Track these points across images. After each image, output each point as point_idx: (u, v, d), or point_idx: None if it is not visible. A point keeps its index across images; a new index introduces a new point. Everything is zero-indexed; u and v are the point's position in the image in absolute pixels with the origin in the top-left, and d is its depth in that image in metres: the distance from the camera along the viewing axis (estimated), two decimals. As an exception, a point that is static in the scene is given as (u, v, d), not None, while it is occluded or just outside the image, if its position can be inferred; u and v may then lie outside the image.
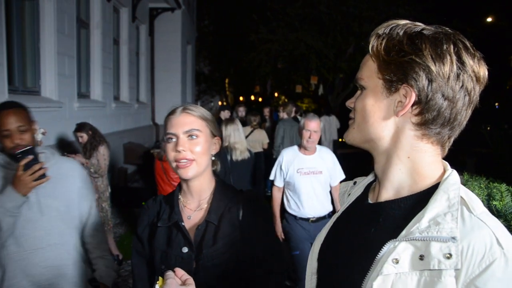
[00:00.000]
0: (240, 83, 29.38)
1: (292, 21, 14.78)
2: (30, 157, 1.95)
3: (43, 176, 1.99)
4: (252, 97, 31.43)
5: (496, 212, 2.55)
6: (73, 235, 2.22)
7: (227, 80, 29.00)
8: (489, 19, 20.61)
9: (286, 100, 24.39)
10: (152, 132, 12.27)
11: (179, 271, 1.17)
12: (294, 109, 8.90)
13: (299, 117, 9.78)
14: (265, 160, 7.76)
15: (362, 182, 1.16)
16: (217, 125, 1.63)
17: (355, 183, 1.20)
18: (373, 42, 0.96)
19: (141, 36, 11.75)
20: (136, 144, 9.52)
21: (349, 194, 1.18)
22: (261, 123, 8.83)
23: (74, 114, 6.61)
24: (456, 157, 1.01)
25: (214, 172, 1.65)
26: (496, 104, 24.93)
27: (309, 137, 3.94)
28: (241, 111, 8.88)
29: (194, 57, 18.22)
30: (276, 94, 30.12)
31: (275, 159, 7.90)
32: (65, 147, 5.98)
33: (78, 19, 7.26)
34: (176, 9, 12.68)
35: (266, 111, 10.57)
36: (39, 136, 4.06)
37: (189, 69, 16.29)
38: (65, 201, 2.18)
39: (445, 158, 0.99)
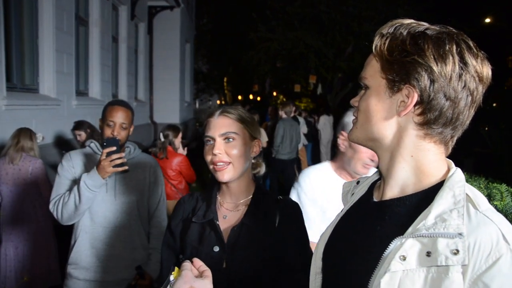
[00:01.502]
0: (239, 82, 29.35)
1: (291, 20, 14.77)
2: (113, 147, 2.26)
3: (121, 165, 2.29)
4: (251, 96, 31.40)
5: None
6: (139, 222, 2.55)
7: (225, 79, 28.99)
8: (487, 20, 20.64)
9: (284, 99, 24.37)
10: (150, 131, 12.24)
11: (197, 262, 1.15)
12: (293, 108, 8.89)
13: (298, 117, 9.79)
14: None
15: (366, 181, 1.16)
16: (258, 127, 1.63)
17: (358, 182, 1.19)
18: (376, 42, 0.96)
19: (140, 34, 11.73)
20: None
21: (353, 194, 1.17)
22: (262, 123, 8.81)
23: (72, 112, 6.59)
24: (455, 157, 1.01)
25: (255, 176, 1.65)
26: (494, 104, 24.98)
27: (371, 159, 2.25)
28: None
29: (193, 56, 18.21)
30: (274, 93, 30.12)
31: (274, 159, 7.95)
32: (63, 145, 5.96)
33: (77, 16, 7.24)
34: (175, 7, 12.66)
35: (270, 110, 10.57)
36: (39, 140, 4.06)
37: (188, 68, 16.28)
38: (137, 191, 2.52)
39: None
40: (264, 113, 12.32)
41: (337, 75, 16.18)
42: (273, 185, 8.45)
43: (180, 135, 5.02)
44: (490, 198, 2.89)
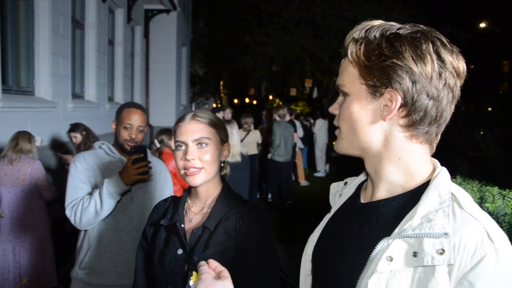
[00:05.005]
0: (235, 86, 29.41)
1: (287, 24, 14.81)
2: (141, 154, 2.25)
3: (146, 173, 2.29)
4: (247, 100, 31.45)
5: (489, 215, 2.57)
6: None
7: (221, 82, 29.01)
8: (482, 25, 20.78)
9: (280, 103, 24.41)
10: (147, 134, 12.24)
11: (213, 263, 1.12)
12: (287, 112, 8.90)
13: (295, 120, 9.81)
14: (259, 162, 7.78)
15: (353, 182, 1.16)
16: (226, 131, 1.63)
17: (346, 183, 1.20)
18: (351, 48, 0.95)
19: (136, 37, 11.74)
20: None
21: (341, 195, 1.18)
22: (257, 126, 8.79)
23: (68, 115, 6.59)
24: (450, 161, 1.02)
25: (223, 178, 1.65)
26: (490, 108, 25.14)
27: None
28: (228, 113, 8.45)
29: (189, 59, 18.22)
30: (270, 97, 30.17)
31: (271, 160, 7.96)
32: (58, 147, 5.96)
33: (73, 19, 7.25)
34: (172, 11, 12.69)
35: (264, 114, 10.59)
36: (37, 143, 4.08)
37: (184, 71, 16.29)
38: (151, 195, 2.50)
39: (439, 163, 0.99)
40: (259, 116, 12.35)
41: (332, 78, 16.24)
42: (273, 189, 8.43)
43: None
44: (482, 200, 2.91)
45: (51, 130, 6.10)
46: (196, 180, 1.49)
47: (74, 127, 4.99)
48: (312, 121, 13.32)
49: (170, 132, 5.00)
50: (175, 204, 1.62)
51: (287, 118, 8.87)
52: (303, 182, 10.72)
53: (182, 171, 1.50)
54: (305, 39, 14.54)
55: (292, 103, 25.79)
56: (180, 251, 1.49)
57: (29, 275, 3.88)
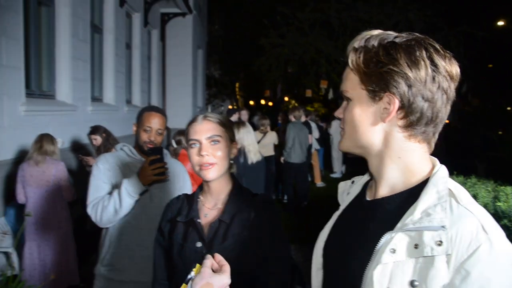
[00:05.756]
0: (250, 87, 29.47)
1: (302, 26, 14.83)
2: (158, 156, 2.34)
3: (163, 174, 2.37)
4: (263, 101, 31.48)
5: (501, 213, 2.61)
6: None
7: (237, 84, 29.12)
8: (500, 23, 20.46)
9: (296, 104, 24.39)
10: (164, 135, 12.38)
11: (218, 257, 1.22)
12: (303, 113, 8.92)
13: (310, 122, 9.83)
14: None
15: (360, 181, 1.23)
16: (233, 131, 1.76)
17: (353, 182, 1.27)
18: (351, 57, 1.03)
19: (152, 40, 11.90)
20: (147, 147, 9.59)
21: (348, 193, 1.25)
22: (273, 128, 8.80)
23: (87, 118, 6.74)
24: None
25: (232, 175, 1.77)
26: (508, 108, 24.73)
27: None
28: (244, 114, 8.71)
29: (205, 61, 18.36)
30: (286, 98, 30.16)
31: (285, 162, 7.99)
32: (79, 149, 6.11)
33: (92, 24, 7.41)
34: (187, 14, 12.81)
35: (280, 116, 10.64)
36: (59, 145, 4.22)
37: (200, 73, 16.42)
38: (169, 195, 2.53)
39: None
40: (275, 118, 12.39)
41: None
42: (288, 190, 8.40)
43: None
44: (496, 200, 2.94)
45: (71, 133, 6.25)
46: (210, 174, 1.61)
47: (94, 130, 5.12)
48: (326, 123, 13.30)
49: (187, 133, 5.09)
50: (189, 201, 1.74)
51: (303, 119, 8.90)
52: (319, 183, 10.74)
53: (197, 167, 1.62)
54: (320, 41, 14.53)
55: (307, 104, 25.76)
56: (199, 244, 1.60)
57: (53, 272, 4.01)
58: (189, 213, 1.68)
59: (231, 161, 1.73)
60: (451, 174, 3.48)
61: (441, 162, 1.06)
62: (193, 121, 1.68)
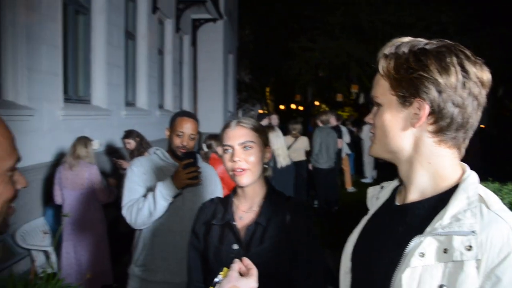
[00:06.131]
0: (281, 92, 29.49)
1: (332, 30, 14.78)
2: (191, 160, 2.40)
3: (196, 177, 2.42)
4: (293, 106, 31.44)
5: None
6: None
7: (268, 89, 29.19)
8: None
9: (326, 108, 24.25)
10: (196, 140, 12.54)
11: (245, 260, 1.24)
12: (332, 117, 8.86)
13: (341, 126, 9.76)
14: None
15: (389, 186, 1.23)
16: (267, 136, 1.78)
17: (382, 187, 1.27)
18: (382, 63, 1.04)
19: (184, 46, 12.10)
20: (179, 151, 9.74)
21: (377, 198, 1.25)
22: (305, 133, 8.75)
23: (121, 122, 6.91)
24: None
25: (266, 178, 1.79)
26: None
27: None
28: (274, 119, 8.68)
29: (236, 66, 18.51)
30: (317, 103, 30.05)
31: (314, 168, 7.94)
32: (112, 152, 6.27)
33: (126, 31, 7.62)
34: (218, 20, 12.96)
35: (312, 121, 10.65)
36: (95, 146, 4.35)
37: (231, 78, 16.57)
38: (201, 198, 2.55)
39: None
40: (306, 122, 12.37)
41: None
42: (319, 195, 8.33)
43: None
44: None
45: (106, 136, 6.42)
46: (243, 180, 1.64)
47: (128, 134, 5.24)
48: (356, 128, 13.16)
49: (218, 138, 5.14)
50: (223, 205, 1.77)
51: (333, 123, 8.83)
52: (350, 188, 10.64)
53: (231, 172, 1.66)
54: (351, 45, 14.45)
55: (338, 108, 25.58)
56: (235, 246, 1.63)
57: (88, 271, 4.14)
58: (224, 216, 1.71)
59: (265, 165, 1.75)
60: (486, 180, 3.40)
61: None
62: (226, 126, 1.71)
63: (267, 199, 1.71)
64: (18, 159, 0.91)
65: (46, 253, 4.40)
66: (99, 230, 4.34)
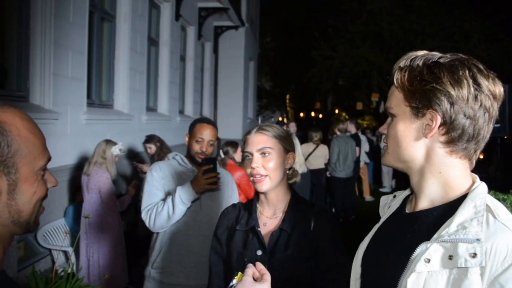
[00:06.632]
0: (301, 99, 29.49)
1: (353, 38, 14.76)
2: (211, 165, 2.47)
3: (215, 183, 2.49)
4: (313, 113, 31.39)
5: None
6: None
7: (288, 96, 29.23)
8: None
9: (346, 117, 24.15)
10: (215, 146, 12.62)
11: (259, 266, 1.28)
12: (353, 126, 8.84)
13: (360, 135, 9.72)
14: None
15: (401, 195, 1.27)
16: (291, 141, 1.81)
17: (394, 196, 1.31)
18: (397, 75, 1.08)
19: (206, 53, 12.23)
20: (198, 157, 9.83)
21: (389, 207, 1.29)
22: (325, 141, 8.77)
23: (142, 127, 7.04)
24: None
25: (290, 185, 1.83)
26: None
27: None
28: (292, 127, 8.76)
29: (256, 73, 18.61)
30: (336, 111, 29.95)
31: (331, 177, 7.91)
32: (133, 157, 6.38)
33: (149, 37, 7.76)
34: (240, 27, 13.07)
35: (331, 129, 10.60)
36: (116, 151, 4.40)
37: (251, 85, 16.65)
38: (218, 203, 2.66)
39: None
40: (326, 130, 12.34)
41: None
42: (336, 203, 8.32)
43: (239, 149, 5.23)
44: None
45: (127, 141, 6.52)
46: (262, 186, 1.68)
47: (149, 139, 5.35)
48: (376, 137, 13.07)
49: (235, 144, 5.21)
50: (247, 210, 1.79)
51: (353, 131, 8.81)
52: (368, 197, 10.59)
53: (251, 178, 1.70)
54: (371, 53, 14.40)
55: (358, 117, 25.44)
56: (259, 252, 1.66)
57: (106, 273, 4.22)
58: (248, 222, 1.74)
59: (288, 171, 1.78)
60: (507, 192, 3.36)
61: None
62: (248, 133, 1.76)
63: (291, 205, 1.74)
64: (49, 159, 0.97)
65: (66, 253, 4.51)
66: (115, 233, 4.42)
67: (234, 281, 1.24)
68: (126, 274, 4.51)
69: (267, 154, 1.68)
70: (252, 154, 1.69)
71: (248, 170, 1.69)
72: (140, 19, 7.04)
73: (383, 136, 1.19)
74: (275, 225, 1.71)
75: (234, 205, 1.89)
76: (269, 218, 1.74)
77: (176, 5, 8.70)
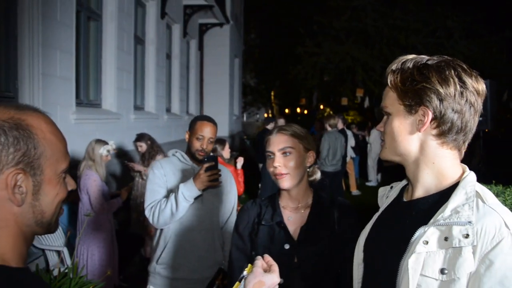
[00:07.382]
0: (286, 96, 29.57)
1: (338, 34, 14.88)
2: (212, 163, 2.52)
3: (217, 180, 2.56)
4: (298, 110, 31.50)
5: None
6: (218, 227, 2.79)
7: (273, 93, 29.30)
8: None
9: (331, 112, 24.31)
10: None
11: (267, 257, 1.32)
12: (340, 121, 8.95)
13: (347, 130, 9.84)
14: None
15: (398, 186, 1.38)
16: (311, 140, 1.89)
17: (391, 187, 1.42)
18: (390, 77, 1.20)
19: (191, 50, 12.25)
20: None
21: (387, 197, 1.40)
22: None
23: (130, 125, 7.05)
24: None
25: (311, 182, 1.91)
26: None
27: None
28: (281, 122, 8.83)
29: (241, 70, 18.65)
30: (321, 107, 30.10)
31: (320, 170, 8.01)
32: (122, 155, 6.38)
33: (135, 36, 7.76)
34: (225, 24, 13.13)
35: (316, 124, 10.70)
36: (104, 152, 4.33)
37: (236, 82, 16.71)
38: (218, 199, 2.77)
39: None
40: (310, 126, 12.45)
41: (384, 88, 16.01)
42: None
43: (227, 146, 5.29)
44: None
45: (115, 140, 6.46)
46: (284, 184, 1.76)
47: (140, 137, 5.36)
48: (366, 132, 13.20)
49: (223, 142, 5.25)
50: (271, 205, 1.86)
51: (340, 127, 8.91)
52: (354, 191, 10.73)
53: (273, 177, 1.78)
54: (356, 49, 14.54)
55: (343, 112, 25.57)
56: (287, 246, 1.73)
57: (96, 272, 4.24)
58: (273, 217, 1.80)
59: (309, 169, 1.87)
60: (490, 183, 3.51)
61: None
62: (269, 133, 1.85)
63: (314, 200, 1.83)
64: (70, 163, 1.00)
65: (59, 253, 4.51)
66: (107, 232, 4.42)
67: (245, 273, 1.30)
68: (117, 273, 4.52)
69: (288, 154, 1.76)
70: (274, 154, 1.77)
71: (271, 169, 1.77)
72: (126, 18, 7.04)
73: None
74: (300, 219, 1.79)
75: (253, 201, 1.95)
76: (293, 213, 1.82)
77: (161, 3, 8.70)
